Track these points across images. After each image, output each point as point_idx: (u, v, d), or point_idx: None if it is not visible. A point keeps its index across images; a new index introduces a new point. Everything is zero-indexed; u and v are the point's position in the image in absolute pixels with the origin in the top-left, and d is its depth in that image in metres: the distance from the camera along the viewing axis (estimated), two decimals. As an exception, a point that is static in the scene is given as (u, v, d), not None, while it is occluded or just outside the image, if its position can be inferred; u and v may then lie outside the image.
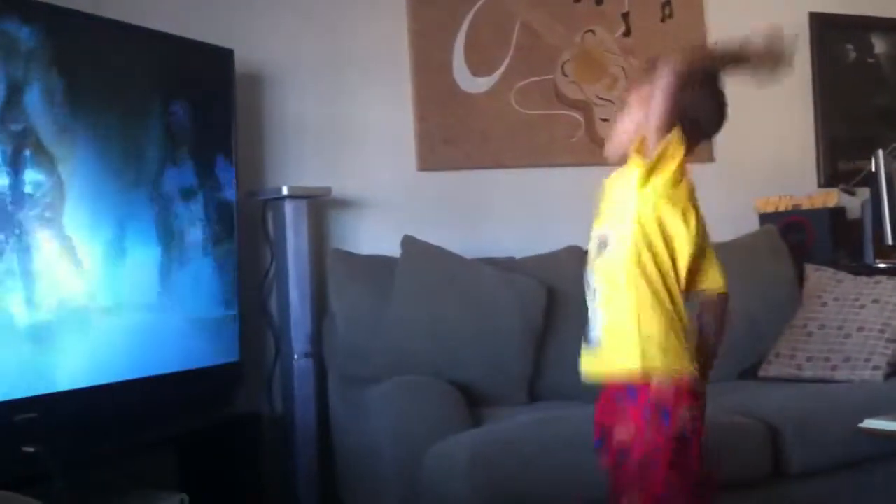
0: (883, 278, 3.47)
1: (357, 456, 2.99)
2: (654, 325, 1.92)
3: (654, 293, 1.92)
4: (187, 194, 2.93)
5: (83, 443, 2.45)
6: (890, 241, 3.88)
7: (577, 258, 3.49)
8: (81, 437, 2.45)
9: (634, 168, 1.94)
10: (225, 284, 3.05)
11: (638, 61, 3.91)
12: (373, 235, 3.46)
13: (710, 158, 3.97)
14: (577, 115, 3.84)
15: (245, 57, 3.20)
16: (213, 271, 3.02)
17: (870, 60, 4.50)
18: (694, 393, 1.94)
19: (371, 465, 2.84)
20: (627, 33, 3.93)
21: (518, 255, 3.46)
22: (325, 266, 3.27)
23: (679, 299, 1.94)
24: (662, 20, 4.00)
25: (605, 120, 3.88)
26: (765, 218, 3.98)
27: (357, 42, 3.54)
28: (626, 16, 3.93)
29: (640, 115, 1.99)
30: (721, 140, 3.93)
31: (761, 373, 3.30)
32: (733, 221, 3.73)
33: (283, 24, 3.42)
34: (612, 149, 2.07)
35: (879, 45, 4.44)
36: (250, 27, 3.34)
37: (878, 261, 3.94)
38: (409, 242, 3.24)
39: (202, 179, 2.99)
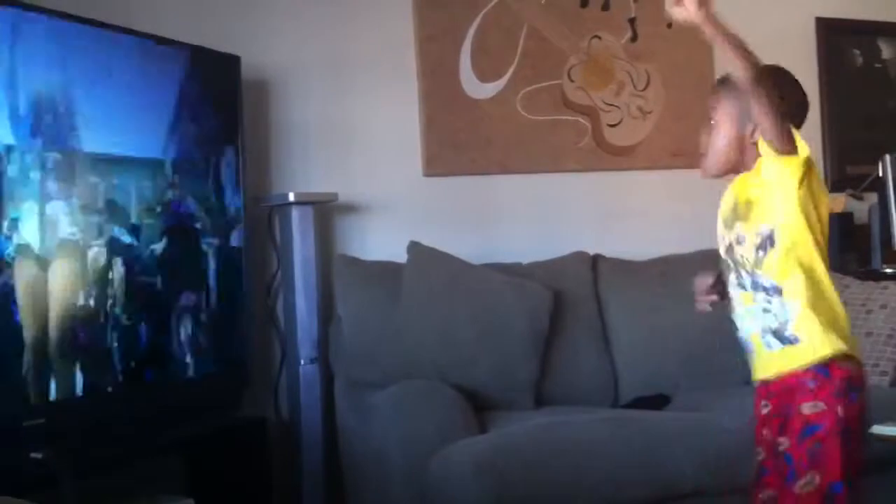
0: (890, 283, 3.46)
1: (363, 460, 2.99)
2: (834, 309, 1.97)
3: (826, 278, 1.97)
4: (194, 200, 2.94)
5: (91, 448, 2.46)
6: (896, 246, 3.87)
7: (584, 263, 3.51)
8: (89, 442, 2.46)
9: (780, 165, 1.95)
10: (232, 290, 3.05)
11: (644, 66, 3.92)
12: (379, 241, 3.47)
13: (717, 163, 3.97)
14: (584, 121, 3.84)
15: (252, 63, 3.21)
16: (221, 276, 3.02)
17: (877, 65, 4.49)
18: (865, 375, 2.00)
19: (378, 469, 2.85)
20: (634, 38, 3.93)
21: (524, 261, 3.46)
22: (331, 272, 3.28)
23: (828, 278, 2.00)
24: (669, 25, 3.99)
25: (611, 126, 3.88)
26: (772, 223, 3.97)
27: (363, 47, 3.55)
28: (632, 21, 3.93)
29: (732, 130, 2.05)
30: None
31: (768, 378, 3.29)
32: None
33: (289, 30, 3.43)
34: (711, 165, 2.10)
35: (887, 50, 4.43)
36: (257, 33, 3.35)
37: (885, 266, 3.93)
38: (415, 248, 3.24)
39: (209, 185, 3.00)
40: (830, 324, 1.96)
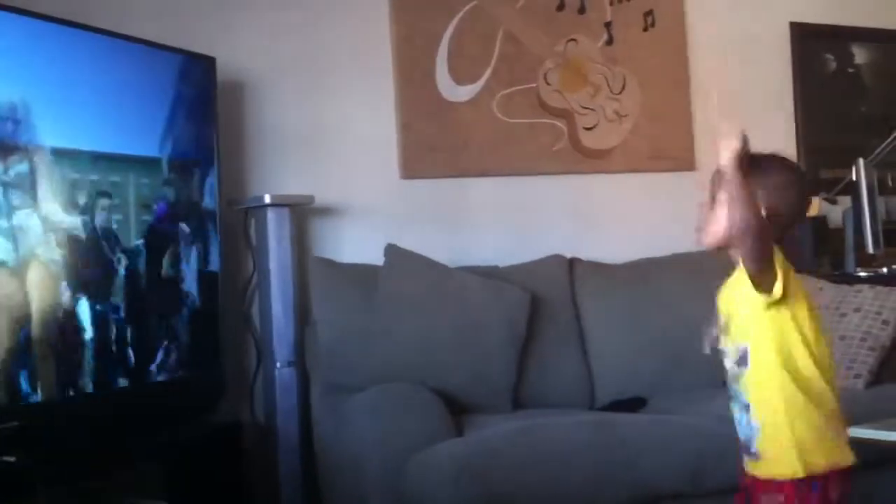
0: (864, 287, 3.48)
1: (340, 464, 2.98)
2: (810, 427, 1.91)
3: (807, 395, 1.91)
4: (169, 203, 2.92)
5: (65, 452, 2.43)
6: (871, 250, 3.90)
7: (561, 266, 3.52)
8: (63, 446, 2.43)
9: (750, 287, 1.88)
10: (208, 292, 3.04)
11: (620, 69, 3.94)
12: (356, 244, 3.46)
13: (692, 167, 3.99)
14: (560, 124, 3.85)
15: (227, 64, 3.20)
16: (195, 280, 3.00)
17: (850, 70, 4.53)
18: (848, 478, 1.94)
19: (355, 473, 2.83)
20: (610, 42, 3.94)
21: (501, 264, 3.46)
22: (307, 274, 3.27)
23: (830, 389, 1.93)
24: (645, 29, 4.01)
25: (587, 129, 3.89)
26: (746, 226, 3.99)
27: (340, 50, 3.53)
28: (608, 25, 3.94)
29: (727, 228, 1.94)
30: (702, 148, 3.99)
31: (744, 381, 3.31)
32: (715, 230, 3.73)
33: (265, 31, 3.41)
34: (709, 240, 2.02)
35: (860, 55, 4.47)
36: (232, 35, 3.33)
37: (859, 269, 3.96)
38: (392, 251, 3.24)
39: (184, 187, 2.98)
40: (805, 442, 1.90)
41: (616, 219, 3.90)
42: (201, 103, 3.06)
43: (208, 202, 3.06)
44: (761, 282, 1.86)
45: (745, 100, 3.93)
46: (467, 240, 3.64)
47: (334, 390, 3.06)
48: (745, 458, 2.00)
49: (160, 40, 2.92)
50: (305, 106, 3.48)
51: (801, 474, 1.90)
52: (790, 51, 4.27)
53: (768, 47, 4.18)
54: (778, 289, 1.85)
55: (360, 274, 3.21)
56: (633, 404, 3.24)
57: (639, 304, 3.43)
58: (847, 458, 1.95)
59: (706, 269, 3.71)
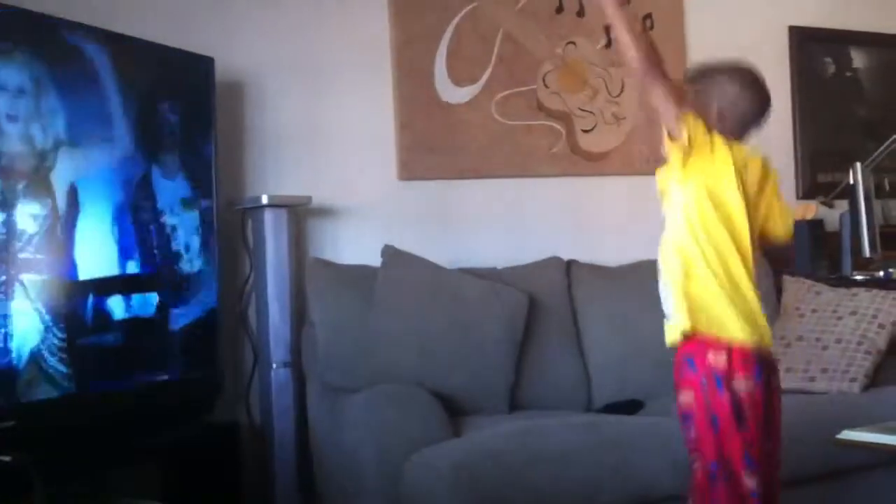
0: (861, 290, 3.49)
1: (337, 466, 2.98)
2: (701, 291, 2.07)
3: (706, 262, 2.06)
4: (168, 203, 2.91)
5: (62, 452, 2.42)
6: (867, 254, 3.88)
7: (558, 268, 3.51)
8: (60, 446, 2.42)
9: (671, 155, 2.10)
10: (204, 293, 3.03)
11: (619, 72, 3.94)
12: (353, 245, 3.45)
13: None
14: (559, 126, 3.85)
15: (226, 65, 3.19)
16: (193, 280, 3.00)
17: (848, 74, 4.53)
18: (750, 363, 2.03)
19: (352, 475, 2.83)
20: (609, 45, 3.94)
21: (499, 266, 3.46)
22: (304, 275, 3.26)
23: (739, 268, 2.08)
24: (643, 32, 4.01)
25: (586, 131, 3.89)
26: (744, 229, 3.99)
27: (339, 50, 3.53)
28: (607, 28, 3.94)
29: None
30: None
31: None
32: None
33: (264, 31, 3.41)
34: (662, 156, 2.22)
35: (858, 59, 4.48)
36: (231, 35, 3.33)
37: (855, 273, 3.95)
38: (389, 252, 3.23)
39: (182, 188, 2.97)
40: (695, 302, 2.06)
41: (613, 221, 3.90)
42: (199, 103, 3.05)
43: (206, 202, 3.06)
44: (677, 135, 2.04)
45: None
46: (465, 241, 3.64)
47: (331, 391, 3.06)
48: (665, 328, 2.18)
49: (159, 40, 2.92)
50: (304, 106, 3.47)
51: (687, 328, 2.06)
52: (789, 55, 4.28)
53: (767, 51, 4.18)
54: (684, 136, 2.02)
55: (358, 275, 3.21)
56: (630, 407, 3.24)
57: (636, 307, 3.43)
58: (738, 334, 2.04)
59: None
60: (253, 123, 3.40)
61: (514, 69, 3.77)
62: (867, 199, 3.91)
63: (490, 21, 3.74)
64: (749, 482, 2.03)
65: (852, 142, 4.35)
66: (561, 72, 3.86)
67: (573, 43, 3.89)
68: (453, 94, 3.68)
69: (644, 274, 3.54)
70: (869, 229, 3.88)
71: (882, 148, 4.06)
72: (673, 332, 2.13)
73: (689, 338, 2.08)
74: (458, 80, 3.68)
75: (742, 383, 2.03)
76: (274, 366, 3.16)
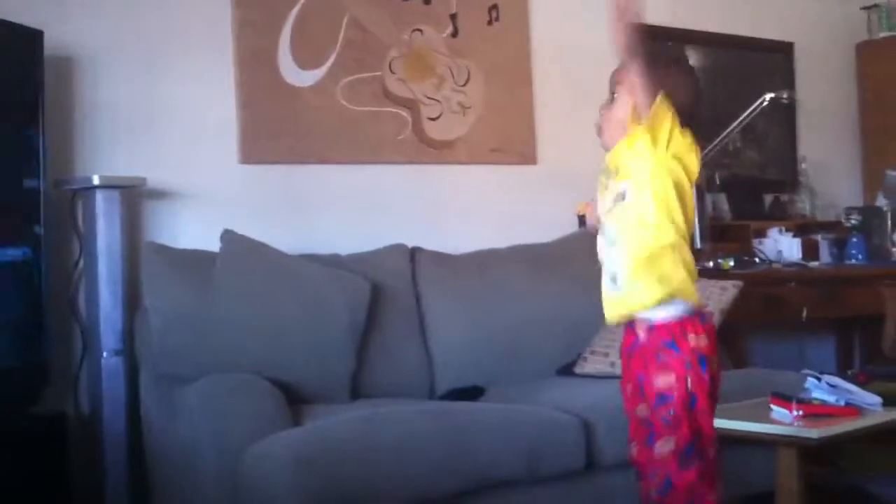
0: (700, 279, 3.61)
1: (172, 458, 2.88)
2: (679, 259, 2.11)
3: (678, 233, 2.12)
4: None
5: None
6: (698, 245, 4.06)
7: (402, 255, 3.50)
8: None
9: (639, 136, 2.12)
10: (30, 278, 2.88)
11: (465, 62, 3.95)
12: (191, 229, 3.34)
13: (534, 161, 4.06)
14: (405, 114, 3.84)
15: (56, 38, 3.04)
16: (18, 264, 2.86)
17: (685, 72, 4.69)
18: (713, 340, 2.11)
19: (187, 467, 2.75)
20: (455, 34, 3.95)
21: (343, 252, 3.42)
22: (138, 260, 3.14)
23: (687, 238, 2.15)
24: (489, 23, 4.05)
25: (432, 119, 3.89)
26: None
27: (178, 28, 3.41)
28: (453, 17, 3.96)
29: (630, 101, 2.18)
30: (543, 143, 4.07)
31: (577, 369, 3.38)
32: (555, 223, 3.80)
33: (99, 5, 3.26)
34: (608, 137, 2.25)
35: (693, 58, 4.64)
36: (63, 8, 3.17)
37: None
38: (228, 236, 3.15)
39: (6, 166, 2.81)
40: (665, 269, 2.10)
41: (458, 210, 3.93)
42: (26, 78, 2.89)
43: (32, 182, 2.90)
44: (647, 110, 2.10)
45: (589, 101, 4.01)
46: (308, 227, 3.58)
47: (165, 380, 2.95)
48: (608, 300, 2.18)
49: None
50: (141, 85, 3.34)
51: (659, 297, 2.09)
52: (629, 52, 4.38)
53: (608, 51, 4.27)
54: (652, 108, 2.09)
55: (195, 260, 3.10)
56: (472, 393, 3.26)
57: (479, 295, 3.46)
58: (696, 297, 2.13)
59: (546, 262, 3.80)
60: (84, 101, 3.24)
61: (361, 54, 3.74)
62: (699, 193, 4.08)
63: (336, 4, 3.69)
64: (710, 453, 2.10)
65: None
66: (407, 59, 3.85)
67: (419, 30, 3.88)
68: (298, 77, 3.61)
69: (488, 262, 3.60)
70: (700, 222, 4.06)
71: (712, 145, 4.25)
72: (633, 302, 2.13)
73: (653, 311, 2.11)
74: (303, 63, 3.62)
75: (714, 361, 2.10)
76: (105, 354, 3.04)
